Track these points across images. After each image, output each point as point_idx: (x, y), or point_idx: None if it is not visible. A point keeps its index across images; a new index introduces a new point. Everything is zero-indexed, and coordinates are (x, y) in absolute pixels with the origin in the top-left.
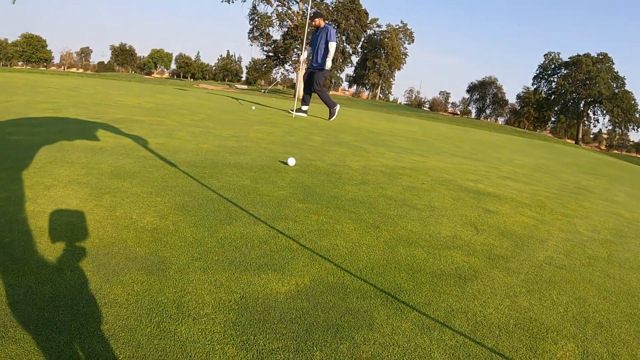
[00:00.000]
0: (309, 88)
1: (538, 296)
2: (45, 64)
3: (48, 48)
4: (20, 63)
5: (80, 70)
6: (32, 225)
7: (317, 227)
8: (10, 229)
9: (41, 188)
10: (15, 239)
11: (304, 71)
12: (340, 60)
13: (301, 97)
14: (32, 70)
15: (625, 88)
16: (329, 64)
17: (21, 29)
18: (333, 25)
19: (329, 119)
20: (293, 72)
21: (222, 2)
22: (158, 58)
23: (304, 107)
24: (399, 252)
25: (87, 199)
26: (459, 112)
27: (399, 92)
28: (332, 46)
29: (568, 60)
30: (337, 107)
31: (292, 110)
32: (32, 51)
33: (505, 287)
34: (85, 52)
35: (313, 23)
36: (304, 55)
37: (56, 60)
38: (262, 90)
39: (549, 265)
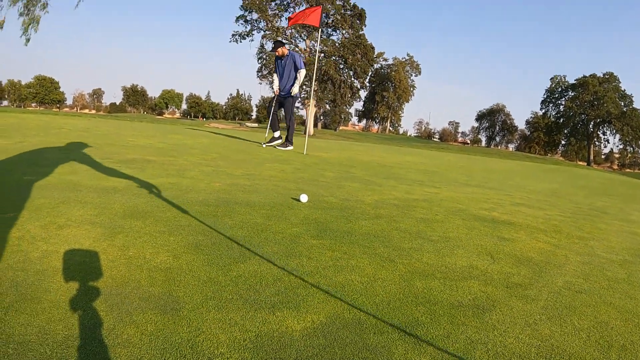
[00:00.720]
0: (276, 115)
1: (559, 323)
2: (58, 105)
3: (61, 90)
4: (33, 104)
5: (93, 112)
6: (46, 265)
7: (331, 262)
8: (24, 268)
9: (54, 228)
10: (29, 278)
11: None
12: (349, 96)
13: (271, 126)
14: (45, 112)
15: (633, 106)
16: (295, 90)
17: (34, 70)
18: (340, 61)
19: (274, 143)
20: (302, 109)
21: (230, 41)
22: (169, 98)
23: (276, 134)
24: (415, 285)
25: (100, 238)
26: (469, 141)
27: (408, 124)
28: (302, 73)
29: (574, 82)
30: (290, 148)
31: (303, 149)
32: (45, 93)
33: (525, 316)
34: (97, 94)
35: (277, 53)
36: (276, 84)
37: (69, 102)
38: (263, 145)
39: (568, 290)
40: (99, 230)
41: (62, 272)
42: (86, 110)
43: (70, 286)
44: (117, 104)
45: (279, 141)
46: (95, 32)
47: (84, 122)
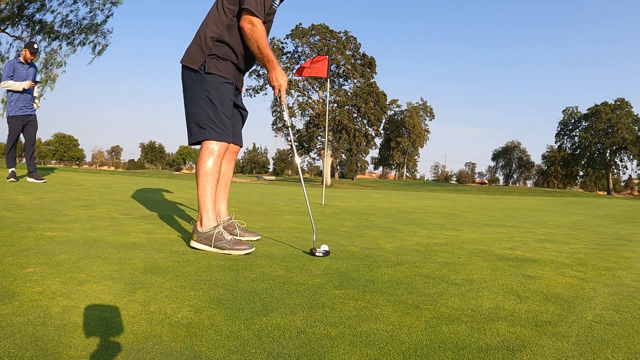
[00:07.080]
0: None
1: (592, 358)
2: (77, 162)
3: (80, 147)
4: (53, 161)
5: (112, 168)
6: (66, 320)
7: (355, 312)
8: (44, 323)
9: (75, 283)
10: (49, 334)
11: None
12: (364, 144)
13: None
14: (64, 169)
15: None
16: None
17: (54, 128)
18: (353, 110)
19: (10, 180)
20: (319, 160)
21: (244, 96)
22: (186, 154)
23: (10, 169)
24: (442, 331)
25: (121, 294)
26: (486, 181)
27: (425, 168)
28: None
29: (587, 112)
30: (44, 181)
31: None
32: (64, 150)
33: (556, 353)
34: (115, 151)
35: (30, 56)
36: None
37: (88, 159)
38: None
39: (599, 324)
40: (119, 285)
41: (83, 328)
42: (105, 167)
43: (91, 341)
44: (136, 160)
45: (12, 179)
46: (113, 89)
47: (104, 178)
